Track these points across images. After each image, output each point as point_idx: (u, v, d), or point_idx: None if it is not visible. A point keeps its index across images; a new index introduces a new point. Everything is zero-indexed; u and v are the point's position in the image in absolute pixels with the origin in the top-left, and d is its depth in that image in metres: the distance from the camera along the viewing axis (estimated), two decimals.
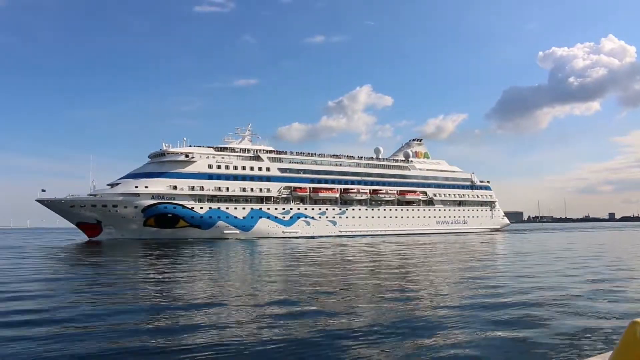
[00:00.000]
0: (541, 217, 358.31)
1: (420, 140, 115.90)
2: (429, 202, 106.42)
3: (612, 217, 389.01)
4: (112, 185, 79.07)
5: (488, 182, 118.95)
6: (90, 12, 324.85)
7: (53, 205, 76.07)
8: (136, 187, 76.39)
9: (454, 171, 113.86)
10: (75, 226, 79.02)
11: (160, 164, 80.00)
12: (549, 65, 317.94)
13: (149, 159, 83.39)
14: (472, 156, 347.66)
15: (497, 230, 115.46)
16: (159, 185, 77.43)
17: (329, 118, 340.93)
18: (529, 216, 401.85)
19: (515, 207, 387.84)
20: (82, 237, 78.47)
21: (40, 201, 75.54)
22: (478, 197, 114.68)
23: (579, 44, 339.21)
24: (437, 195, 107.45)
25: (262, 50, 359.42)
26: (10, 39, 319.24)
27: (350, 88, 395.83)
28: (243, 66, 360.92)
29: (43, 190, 76.30)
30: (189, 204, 78.63)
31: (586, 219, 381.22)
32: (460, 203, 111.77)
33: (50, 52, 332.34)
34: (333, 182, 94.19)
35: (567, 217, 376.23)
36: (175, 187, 78.23)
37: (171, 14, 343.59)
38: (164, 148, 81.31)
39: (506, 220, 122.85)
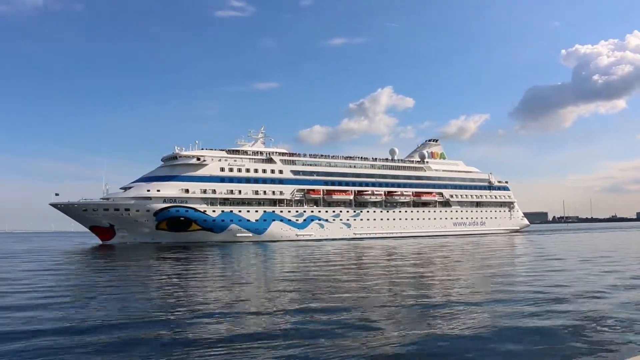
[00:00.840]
0: (566, 217, 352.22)
1: (437, 141, 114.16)
2: (446, 204, 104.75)
3: (639, 217, 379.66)
4: (125, 188, 79.36)
5: (506, 182, 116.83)
6: (114, 18, 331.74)
7: (66, 209, 76.59)
8: (148, 190, 76.50)
9: (471, 172, 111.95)
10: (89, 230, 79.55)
11: (172, 168, 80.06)
12: (573, 63, 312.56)
13: (162, 162, 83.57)
14: (495, 156, 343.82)
15: (516, 231, 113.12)
16: (171, 189, 77.46)
17: (350, 120, 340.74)
18: (554, 216, 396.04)
19: (540, 208, 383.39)
20: (98, 241, 79.02)
21: (54, 205, 76.11)
22: (496, 197, 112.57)
23: (603, 41, 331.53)
24: (454, 196, 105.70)
25: (282, 54, 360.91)
26: (38, 46, 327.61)
27: (371, 90, 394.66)
28: (263, 69, 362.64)
29: (56, 194, 77.00)
30: (201, 207, 78.47)
31: (613, 219, 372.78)
32: (477, 204, 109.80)
33: (76, 58, 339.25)
34: (347, 184, 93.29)
35: (593, 217, 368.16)
36: (187, 191, 78.16)
37: (193, 19, 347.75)
38: (176, 151, 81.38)
39: (525, 221, 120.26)
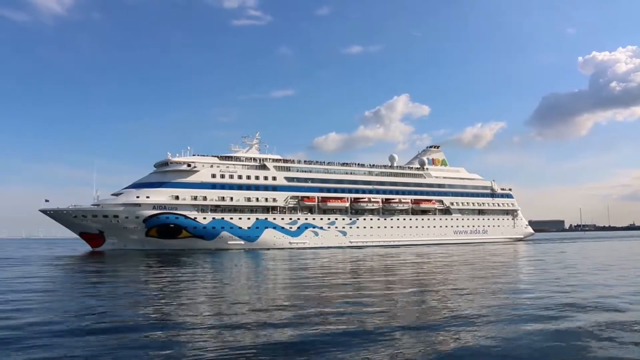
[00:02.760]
0: (583, 225, 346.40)
1: (438, 147, 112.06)
2: (446, 211, 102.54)
3: None
4: (116, 195, 78.86)
5: (510, 189, 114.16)
6: (131, 26, 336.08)
7: (56, 215, 76.24)
8: (137, 197, 75.83)
9: (473, 179, 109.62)
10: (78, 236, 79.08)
11: (162, 174, 79.36)
12: (590, 70, 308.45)
13: (155, 168, 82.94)
14: (511, 163, 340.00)
15: (519, 240, 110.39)
16: (161, 195, 76.70)
17: (366, 128, 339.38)
18: (571, 225, 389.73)
19: (556, 216, 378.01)
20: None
21: (44, 211, 75.78)
22: (499, 205, 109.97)
23: (621, 47, 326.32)
24: (455, 203, 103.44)
25: (298, 61, 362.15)
26: (57, 53, 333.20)
27: (387, 97, 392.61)
28: (280, 77, 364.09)
29: (46, 201, 76.67)
30: (192, 214, 77.58)
31: (631, 227, 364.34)
32: (479, 212, 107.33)
33: (93, 66, 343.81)
34: (343, 191, 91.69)
35: (611, 225, 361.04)
36: (177, 197, 77.37)
37: (210, 28, 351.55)
38: (168, 157, 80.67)
39: (530, 230, 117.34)
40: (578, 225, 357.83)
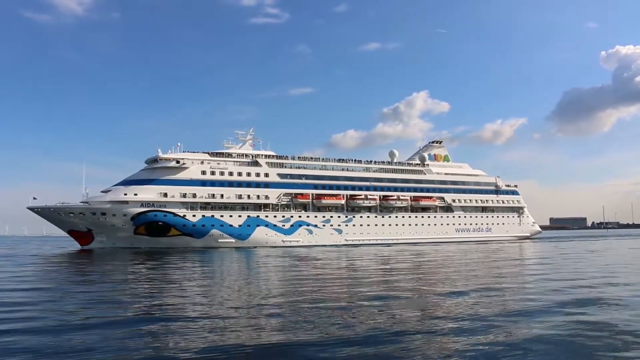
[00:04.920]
0: (606, 223, 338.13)
1: (440, 143, 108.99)
2: (448, 209, 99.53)
3: None
4: (105, 192, 78.05)
5: (515, 186, 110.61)
6: (151, 27, 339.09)
7: (44, 212, 75.76)
8: (125, 194, 74.85)
9: (476, 175, 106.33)
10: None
11: (151, 171, 78.27)
12: (613, 65, 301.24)
13: (145, 165, 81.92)
14: (531, 160, 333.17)
15: (526, 238, 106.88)
16: (149, 193, 75.59)
17: (385, 125, 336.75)
18: (593, 222, 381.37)
19: (578, 213, 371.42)
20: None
21: (31, 209, 75.37)
22: (504, 202, 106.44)
23: None
24: (457, 201, 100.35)
25: (316, 59, 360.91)
26: (75, 54, 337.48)
27: (406, 94, 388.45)
28: (298, 75, 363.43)
29: (34, 198, 76.27)
30: (181, 211, 76.34)
31: None
32: (483, 209, 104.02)
33: (113, 66, 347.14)
34: (338, 187, 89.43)
35: (635, 222, 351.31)
36: (165, 195, 76.16)
37: (228, 26, 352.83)
38: (158, 154, 79.53)
39: (537, 228, 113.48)
40: (601, 223, 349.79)
